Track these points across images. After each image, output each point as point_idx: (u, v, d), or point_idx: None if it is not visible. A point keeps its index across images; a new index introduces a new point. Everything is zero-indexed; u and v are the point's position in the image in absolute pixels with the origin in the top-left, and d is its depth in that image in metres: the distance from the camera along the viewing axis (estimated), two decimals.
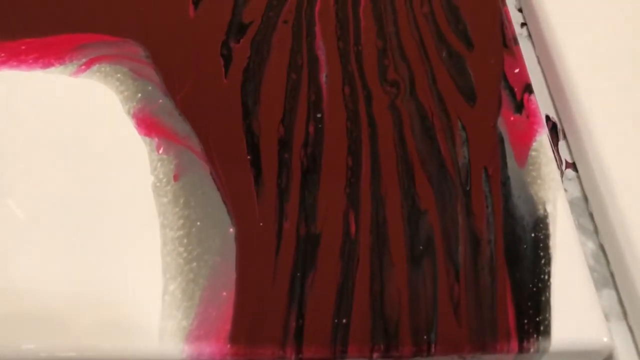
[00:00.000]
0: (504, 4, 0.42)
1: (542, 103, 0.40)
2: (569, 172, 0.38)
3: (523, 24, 0.45)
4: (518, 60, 0.38)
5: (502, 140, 0.34)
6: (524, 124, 0.35)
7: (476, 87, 0.37)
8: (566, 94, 0.39)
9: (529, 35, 0.45)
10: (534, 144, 0.35)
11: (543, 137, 0.35)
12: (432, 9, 0.40)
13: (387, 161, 0.33)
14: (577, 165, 0.38)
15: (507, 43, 0.39)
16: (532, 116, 0.36)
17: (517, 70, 0.38)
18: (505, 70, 0.38)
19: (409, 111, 0.35)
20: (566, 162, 0.39)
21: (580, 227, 0.35)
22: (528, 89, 0.37)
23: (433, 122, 0.35)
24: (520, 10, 0.46)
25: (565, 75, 0.40)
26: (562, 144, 0.39)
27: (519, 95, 0.37)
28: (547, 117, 0.40)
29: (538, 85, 0.41)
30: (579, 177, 0.38)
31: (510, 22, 0.41)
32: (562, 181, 0.37)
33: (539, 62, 0.43)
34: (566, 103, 0.39)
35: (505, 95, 0.37)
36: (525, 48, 0.43)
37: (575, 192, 0.37)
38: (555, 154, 0.38)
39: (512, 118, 0.36)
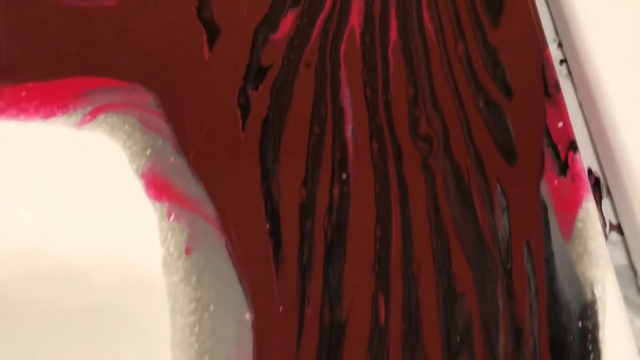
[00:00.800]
0: (545, 44, 0.38)
1: (583, 154, 0.37)
2: (613, 236, 0.35)
3: (562, 61, 0.42)
4: (561, 111, 0.35)
5: (545, 209, 0.31)
6: (569, 188, 0.32)
7: (516, 143, 0.34)
8: (612, 145, 0.36)
9: (569, 74, 0.41)
10: (580, 212, 0.31)
11: (590, 205, 0.32)
12: (467, 50, 0.37)
13: (420, 232, 0.30)
14: (623, 228, 0.35)
15: (549, 91, 0.36)
16: (577, 179, 0.33)
17: (560, 124, 0.35)
18: (547, 123, 0.34)
19: (443, 171, 0.32)
20: (610, 223, 0.35)
21: (626, 301, 0.32)
22: (572, 146, 0.34)
23: (470, 184, 0.32)
24: (560, 45, 0.43)
25: (611, 124, 0.37)
26: (605, 201, 0.36)
27: (563, 154, 0.33)
28: (589, 171, 0.37)
29: (579, 134, 0.38)
30: (624, 242, 0.35)
31: (551, 65, 0.37)
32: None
33: (581, 107, 0.40)
34: (611, 155, 0.36)
35: (548, 153, 0.33)
36: (565, 89, 0.39)
37: (621, 258, 0.34)
38: (598, 214, 0.35)
39: (555, 181, 0.32)
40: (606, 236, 0.35)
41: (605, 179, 0.37)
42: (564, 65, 0.42)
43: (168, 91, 0.34)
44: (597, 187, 0.37)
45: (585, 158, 0.37)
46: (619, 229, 0.35)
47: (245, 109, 0.34)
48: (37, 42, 0.35)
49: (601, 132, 0.37)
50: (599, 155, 0.37)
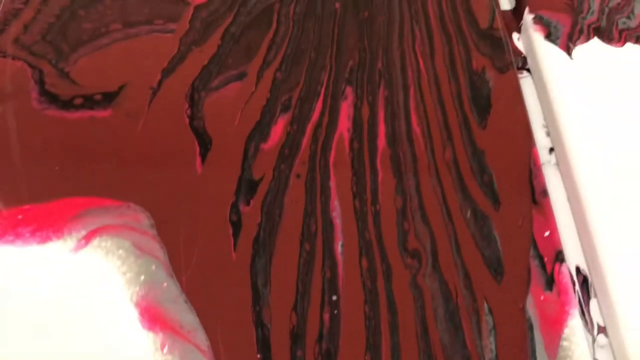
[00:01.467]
0: (533, 143, 0.39)
1: (571, 250, 0.37)
2: (602, 338, 0.36)
3: (552, 149, 0.42)
4: (548, 218, 0.36)
5: (531, 327, 0.32)
6: (555, 304, 0.33)
7: (504, 257, 0.34)
8: (594, 244, 0.36)
9: (557, 164, 0.42)
10: (566, 330, 0.32)
11: (575, 322, 0.32)
12: (455, 155, 0.38)
13: (409, 359, 0.31)
14: (608, 333, 0.35)
15: (536, 198, 0.36)
16: (563, 294, 0.33)
17: (547, 233, 0.35)
18: (534, 233, 0.35)
19: (431, 290, 0.33)
20: (598, 325, 0.36)
21: None
22: (559, 257, 0.35)
23: (457, 304, 0.33)
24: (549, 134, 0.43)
25: (594, 223, 0.37)
26: (594, 302, 0.37)
27: (550, 267, 0.34)
28: (577, 270, 0.37)
29: (567, 226, 0.38)
30: (611, 345, 0.35)
31: (538, 167, 0.38)
32: (594, 349, 0.35)
33: (569, 200, 0.40)
34: (595, 255, 0.36)
35: (534, 266, 0.34)
36: (553, 180, 0.40)
37: None
38: (587, 315, 0.36)
39: (542, 297, 0.33)
40: (594, 339, 0.35)
41: (592, 278, 0.37)
42: (553, 154, 0.42)
43: (161, 209, 0.35)
44: (586, 286, 0.37)
45: (574, 255, 0.37)
46: (606, 331, 0.35)
47: (236, 226, 0.34)
48: (32, 159, 0.36)
49: (586, 231, 0.37)
50: (586, 254, 0.38)
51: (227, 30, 0.42)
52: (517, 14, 0.47)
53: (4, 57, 0.40)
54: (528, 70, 0.46)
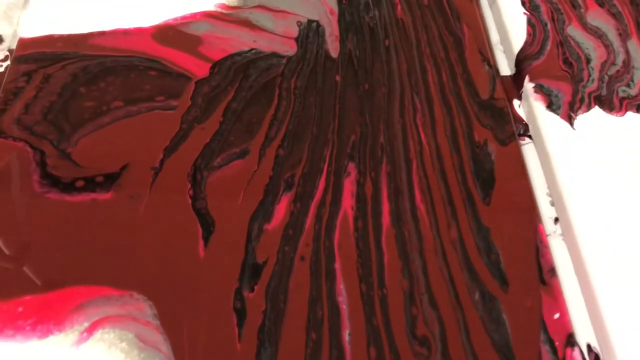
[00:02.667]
0: (539, 220, 0.39)
1: (582, 328, 0.36)
2: None
3: (557, 219, 0.42)
4: (557, 299, 0.35)
5: None
6: None
7: (513, 341, 0.34)
8: (604, 323, 0.36)
9: (563, 235, 0.41)
10: None
11: None
12: (460, 234, 0.37)
13: None
14: None
15: (544, 278, 0.36)
16: None
17: (557, 316, 0.35)
18: (544, 315, 0.35)
19: None
20: None
21: None
22: (570, 341, 0.34)
23: None
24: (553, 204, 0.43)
25: (601, 300, 0.36)
26: None
27: (561, 353, 0.33)
28: (589, 347, 0.37)
29: (577, 303, 0.38)
30: None
31: (545, 245, 0.37)
32: None
33: (576, 273, 0.39)
34: (605, 334, 0.36)
35: (545, 351, 0.33)
36: (560, 253, 0.39)
37: None
38: None
39: None
40: None
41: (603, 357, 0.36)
42: (558, 224, 0.42)
43: (164, 298, 0.34)
44: None
45: (584, 332, 0.37)
46: None
47: (240, 315, 0.34)
48: (33, 246, 0.35)
49: (595, 308, 0.37)
50: (596, 331, 0.37)
51: (229, 106, 0.42)
52: (517, 80, 0.47)
53: (6, 138, 0.39)
54: (530, 136, 0.46)
